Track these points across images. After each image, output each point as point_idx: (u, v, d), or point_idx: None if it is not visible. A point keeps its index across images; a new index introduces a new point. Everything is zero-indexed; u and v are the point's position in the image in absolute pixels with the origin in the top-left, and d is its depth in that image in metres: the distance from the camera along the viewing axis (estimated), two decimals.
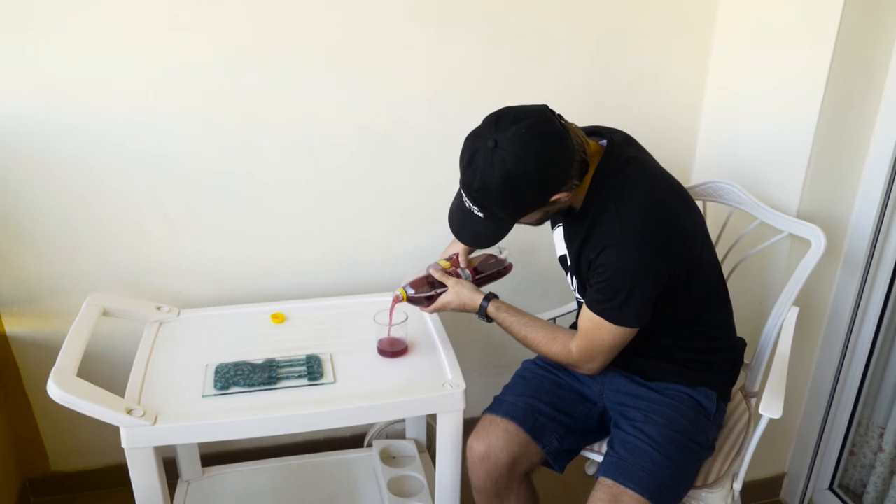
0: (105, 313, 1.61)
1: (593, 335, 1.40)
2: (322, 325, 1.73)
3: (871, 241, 1.72)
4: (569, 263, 1.49)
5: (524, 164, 1.24)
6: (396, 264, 2.00)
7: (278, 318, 1.74)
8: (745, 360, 1.68)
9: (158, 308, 1.72)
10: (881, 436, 1.94)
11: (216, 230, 1.84)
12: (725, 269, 1.64)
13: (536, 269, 2.09)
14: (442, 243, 1.73)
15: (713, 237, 1.58)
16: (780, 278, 1.75)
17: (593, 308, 1.38)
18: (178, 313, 1.74)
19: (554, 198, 1.31)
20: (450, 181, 1.47)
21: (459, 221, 1.42)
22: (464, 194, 1.35)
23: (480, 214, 1.35)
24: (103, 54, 1.60)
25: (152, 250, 1.82)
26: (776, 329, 1.63)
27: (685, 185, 1.47)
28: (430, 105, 1.84)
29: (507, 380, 1.65)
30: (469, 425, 1.51)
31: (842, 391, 1.92)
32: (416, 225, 1.97)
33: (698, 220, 1.45)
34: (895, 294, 1.77)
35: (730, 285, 1.58)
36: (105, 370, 1.55)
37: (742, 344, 1.61)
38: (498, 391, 1.61)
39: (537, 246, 2.06)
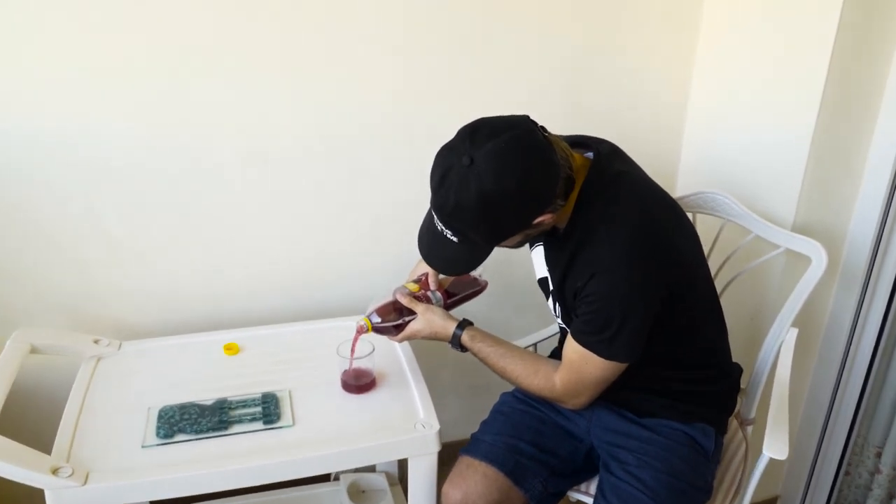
0: (33, 351, 1.44)
1: (579, 368, 1.26)
2: (280, 355, 1.57)
3: (870, 253, 1.61)
4: (551, 288, 1.36)
5: (503, 184, 1.10)
6: (363, 284, 1.84)
7: (231, 349, 1.57)
8: (741, 386, 1.56)
9: (96, 341, 1.55)
10: (877, 455, 1.85)
11: (162, 251, 1.67)
12: (717, 288, 1.51)
13: (511, 284, 1.95)
14: (409, 261, 1.58)
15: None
16: (773, 296, 1.63)
17: (580, 340, 1.24)
18: (119, 346, 1.57)
19: (537, 220, 1.17)
20: (420, 194, 1.33)
21: (430, 245, 1.27)
22: (435, 216, 1.20)
23: (454, 239, 1.20)
24: (33, 58, 1.43)
25: (90, 275, 1.64)
26: (773, 352, 1.51)
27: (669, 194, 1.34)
28: (396, 113, 1.69)
29: (483, 401, 1.52)
30: (443, 452, 1.36)
31: (838, 411, 1.81)
32: (385, 242, 1.82)
33: (693, 239, 1.32)
34: (895, 309, 1.66)
35: (721, 305, 1.45)
36: (35, 416, 1.39)
37: (738, 370, 1.49)
38: (473, 413, 1.48)
39: (513, 259, 1.92)
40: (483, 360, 1.37)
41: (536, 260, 1.41)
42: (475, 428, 1.48)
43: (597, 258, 1.19)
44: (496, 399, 1.55)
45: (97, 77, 1.48)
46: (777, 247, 1.53)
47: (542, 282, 1.40)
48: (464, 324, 1.38)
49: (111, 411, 1.37)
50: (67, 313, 1.65)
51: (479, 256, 1.23)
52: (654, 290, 1.19)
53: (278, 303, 1.80)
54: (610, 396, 1.34)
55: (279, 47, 1.55)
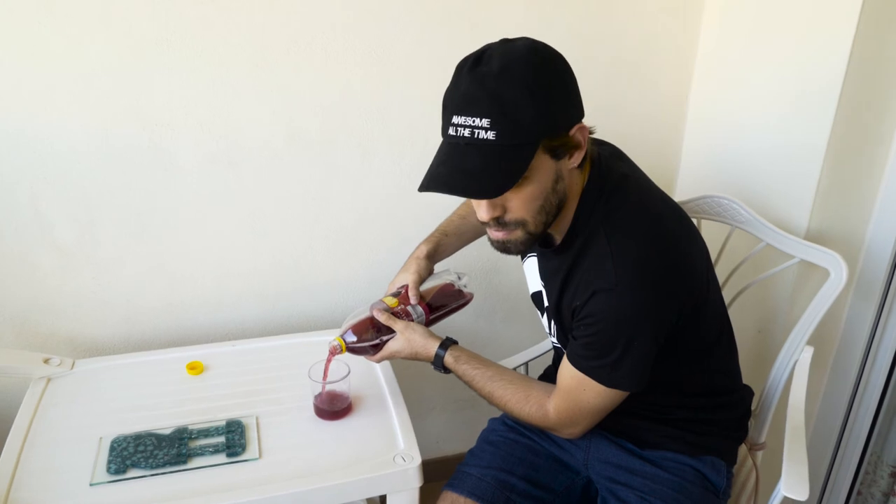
0: None
1: (576, 396, 1.13)
2: (248, 375, 1.44)
3: (890, 263, 1.49)
4: (546, 304, 1.23)
5: (552, 50, 1.02)
6: (338, 294, 1.71)
7: (195, 368, 1.44)
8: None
9: (46, 360, 1.41)
10: (892, 475, 1.73)
11: (120, 259, 1.53)
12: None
13: (498, 289, 1.82)
14: (391, 268, 1.44)
15: None
16: (783, 310, 1.51)
17: (578, 365, 1.11)
18: (72, 365, 1.43)
19: (575, 128, 1.01)
20: (400, 196, 1.20)
21: (452, 166, 1.00)
22: (462, 117, 0.98)
23: (490, 135, 0.96)
24: None
25: (40, 287, 1.50)
26: (786, 371, 1.39)
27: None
28: (373, 108, 1.55)
29: (470, 415, 1.41)
30: (427, 470, 1.22)
31: (851, 429, 1.69)
32: (362, 248, 1.68)
33: (703, 249, 1.18)
34: None
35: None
36: None
37: (750, 394, 1.36)
38: (461, 428, 1.36)
39: (499, 267, 1.79)
40: (468, 384, 1.24)
41: (529, 273, 1.28)
42: (460, 445, 1.35)
43: (599, 273, 1.05)
44: (482, 413, 1.41)
45: (45, 69, 1.34)
46: (791, 257, 1.40)
47: (536, 296, 1.27)
48: (447, 343, 1.25)
49: (58, 443, 1.23)
50: (14, 328, 1.51)
51: (522, 155, 0.98)
52: (664, 310, 1.06)
53: (247, 315, 1.66)
54: (609, 425, 1.22)
55: (243, 36, 1.41)
